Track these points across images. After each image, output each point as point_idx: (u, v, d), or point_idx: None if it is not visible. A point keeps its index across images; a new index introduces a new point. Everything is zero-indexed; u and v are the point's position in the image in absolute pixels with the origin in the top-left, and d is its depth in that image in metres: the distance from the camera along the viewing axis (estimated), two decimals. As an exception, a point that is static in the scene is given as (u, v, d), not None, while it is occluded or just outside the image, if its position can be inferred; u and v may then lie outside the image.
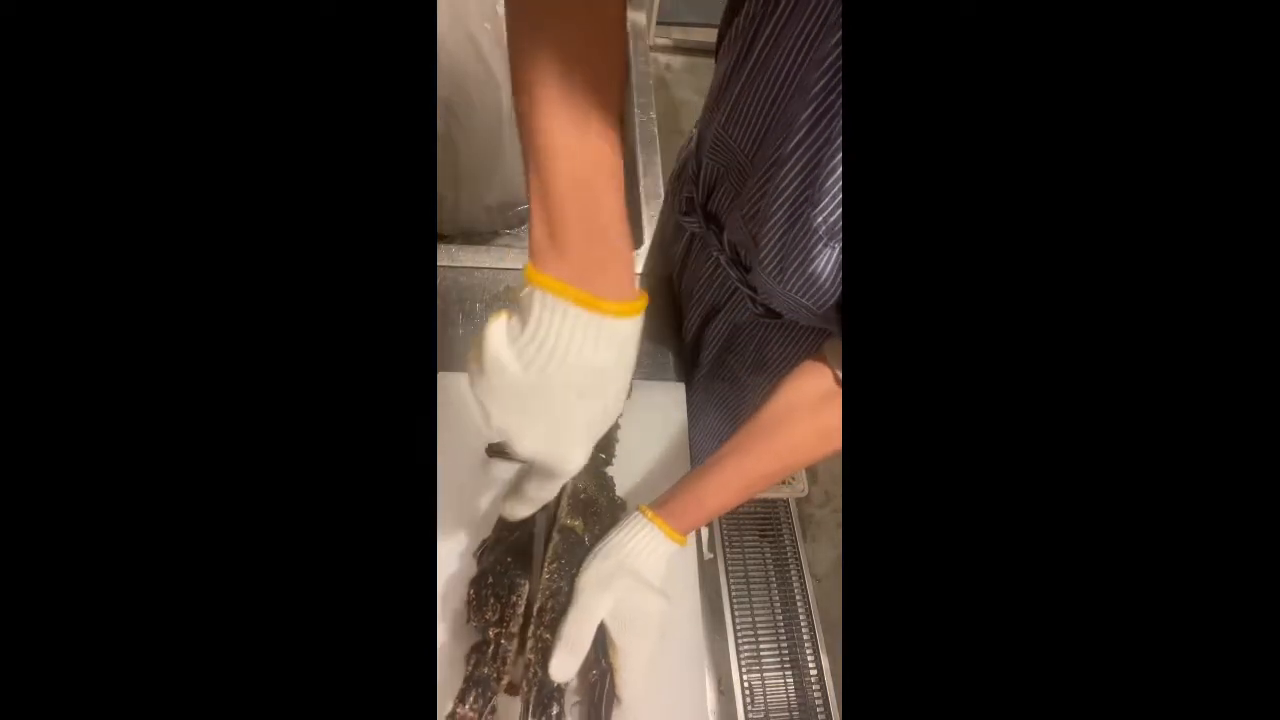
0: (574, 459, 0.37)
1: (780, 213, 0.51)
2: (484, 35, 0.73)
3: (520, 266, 0.81)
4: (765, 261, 0.55)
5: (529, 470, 0.41)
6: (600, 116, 0.33)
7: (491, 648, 0.50)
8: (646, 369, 0.80)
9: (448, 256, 0.83)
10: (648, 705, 0.55)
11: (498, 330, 0.34)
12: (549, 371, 0.34)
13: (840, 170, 0.45)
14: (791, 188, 0.49)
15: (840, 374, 0.51)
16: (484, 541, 0.58)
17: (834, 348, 0.52)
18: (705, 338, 0.79)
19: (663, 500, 0.54)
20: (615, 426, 0.68)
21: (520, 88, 0.33)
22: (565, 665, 0.48)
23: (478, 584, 0.54)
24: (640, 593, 0.50)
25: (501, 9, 0.72)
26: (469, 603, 0.53)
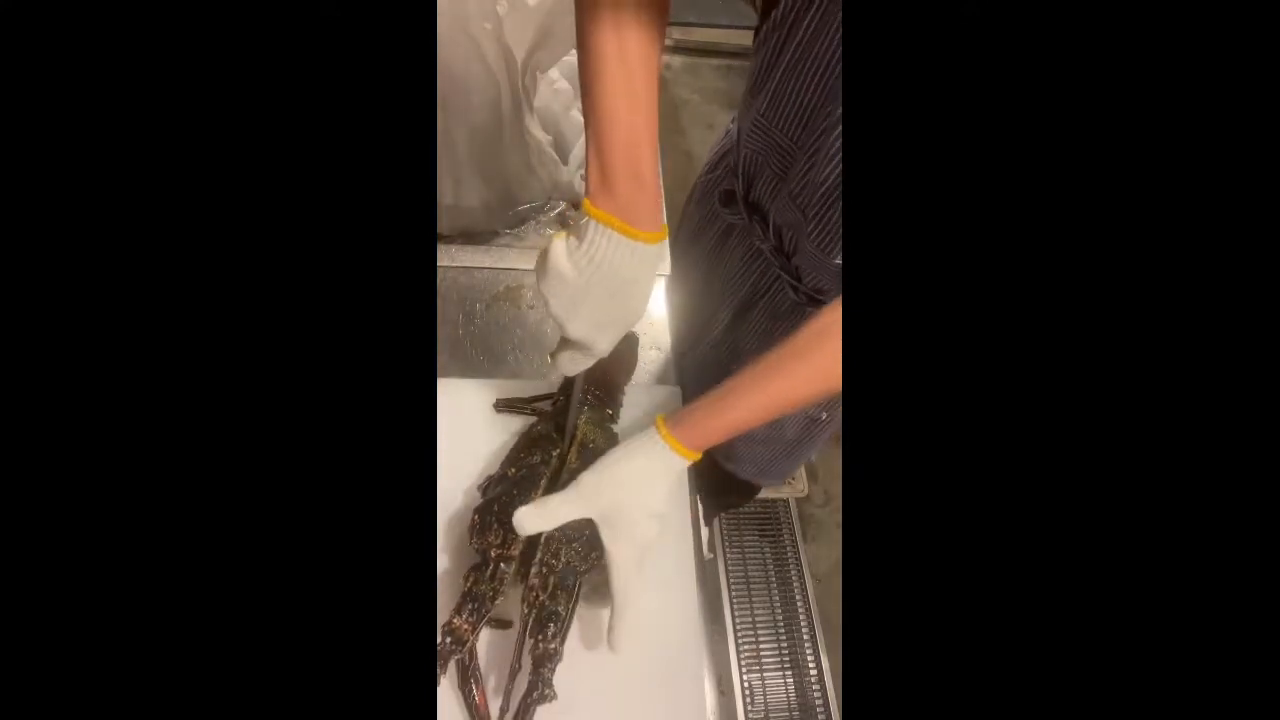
0: (604, 344, 0.51)
1: (831, 178, 0.54)
2: (484, 35, 0.72)
3: (520, 267, 0.84)
4: (813, 234, 0.58)
5: (570, 349, 0.52)
6: (645, 89, 0.44)
7: (490, 568, 0.53)
8: (647, 370, 0.80)
9: (448, 256, 0.84)
10: (646, 699, 0.56)
11: (559, 246, 0.47)
12: (594, 279, 0.47)
13: None
14: (842, 151, 0.51)
15: None
16: (489, 477, 0.60)
17: None
18: (742, 332, 0.79)
19: (682, 415, 0.54)
20: (621, 392, 0.70)
21: (586, 69, 0.44)
22: (530, 519, 0.53)
23: (483, 511, 0.55)
24: (636, 509, 0.53)
25: (501, 9, 0.72)
26: (472, 527, 0.55)
